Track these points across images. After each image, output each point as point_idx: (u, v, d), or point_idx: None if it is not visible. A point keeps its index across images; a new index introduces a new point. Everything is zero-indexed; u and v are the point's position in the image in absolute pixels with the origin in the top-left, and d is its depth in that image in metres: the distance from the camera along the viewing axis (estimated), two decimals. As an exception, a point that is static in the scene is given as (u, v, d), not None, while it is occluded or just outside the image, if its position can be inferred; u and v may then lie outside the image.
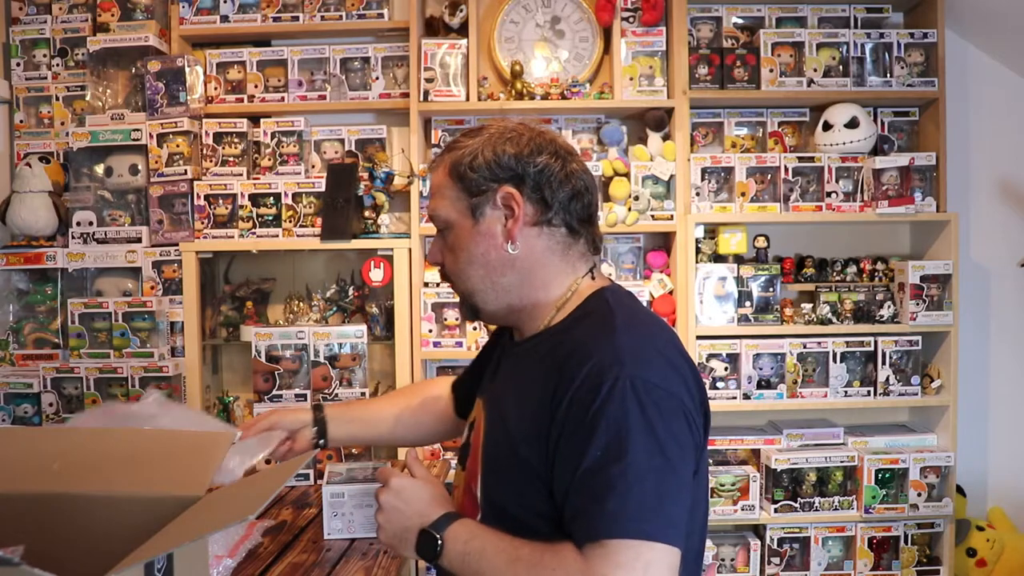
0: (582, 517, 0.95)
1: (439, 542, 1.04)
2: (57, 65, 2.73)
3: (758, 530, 2.64)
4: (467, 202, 1.12)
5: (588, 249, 1.17)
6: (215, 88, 2.71)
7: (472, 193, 1.12)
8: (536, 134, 1.14)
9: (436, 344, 2.54)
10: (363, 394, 2.41)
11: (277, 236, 2.58)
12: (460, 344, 2.53)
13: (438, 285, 2.54)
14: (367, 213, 2.60)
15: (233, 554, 1.39)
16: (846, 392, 2.57)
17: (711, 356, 2.57)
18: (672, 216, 2.58)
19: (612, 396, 0.96)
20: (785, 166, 2.61)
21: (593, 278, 1.17)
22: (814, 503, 2.54)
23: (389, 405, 1.56)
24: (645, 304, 2.55)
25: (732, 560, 2.59)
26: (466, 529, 1.05)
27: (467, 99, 2.59)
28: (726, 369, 2.57)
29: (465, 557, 1.02)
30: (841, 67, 2.64)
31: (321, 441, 1.47)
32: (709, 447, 2.62)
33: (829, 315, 2.59)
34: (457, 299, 1.23)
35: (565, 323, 1.11)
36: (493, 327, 1.39)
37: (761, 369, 2.57)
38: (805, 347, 2.57)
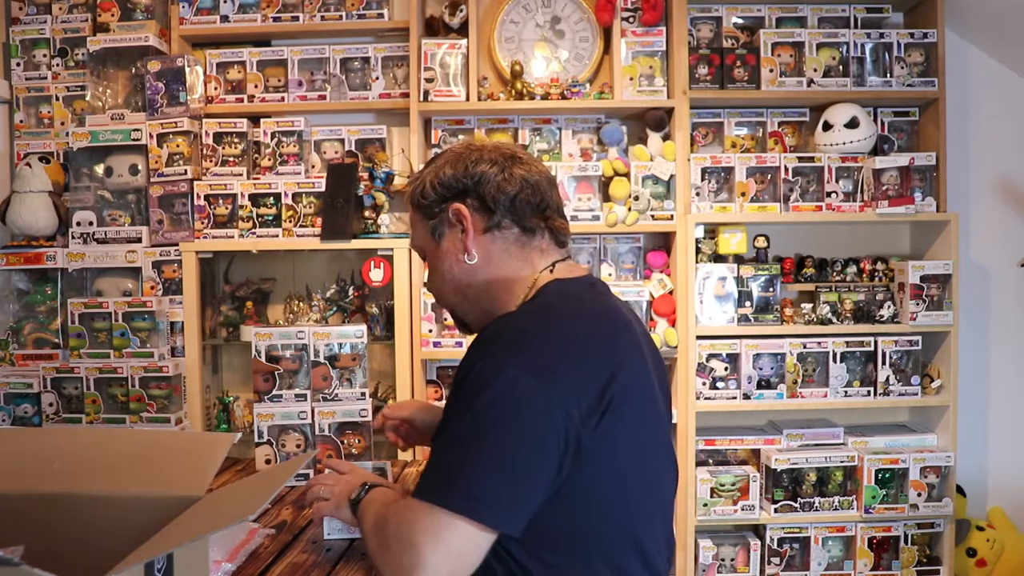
0: (420, 475, 1.07)
1: (365, 489, 1.22)
2: (57, 65, 2.73)
3: (758, 530, 2.64)
4: (428, 227, 1.22)
5: (551, 243, 1.20)
6: (215, 88, 2.71)
7: (429, 217, 1.21)
8: (476, 148, 1.21)
9: (436, 344, 2.53)
10: (363, 395, 2.41)
11: (277, 236, 2.58)
12: (460, 344, 2.53)
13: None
14: (367, 213, 2.60)
15: (233, 558, 1.39)
16: (846, 392, 2.57)
17: (711, 356, 2.57)
18: (672, 216, 2.58)
19: (471, 373, 1.03)
20: (785, 166, 2.61)
21: (552, 271, 1.18)
22: (814, 503, 2.54)
23: None
24: (645, 304, 2.55)
25: (732, 560, 2.60)
26: (387, 492, 1.21)
27: (467, 99, 2.59)
28: (726, 369, 2.57)
29: (367, 505, 1.19)
30: (841, 67, 2.64)
31: None
32: (709, 447, 2.63)
33: (829, 315, 2.59)
34: None
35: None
36: None
37: (761, 369, 2.57)
38: (805, 347, 2.57)
